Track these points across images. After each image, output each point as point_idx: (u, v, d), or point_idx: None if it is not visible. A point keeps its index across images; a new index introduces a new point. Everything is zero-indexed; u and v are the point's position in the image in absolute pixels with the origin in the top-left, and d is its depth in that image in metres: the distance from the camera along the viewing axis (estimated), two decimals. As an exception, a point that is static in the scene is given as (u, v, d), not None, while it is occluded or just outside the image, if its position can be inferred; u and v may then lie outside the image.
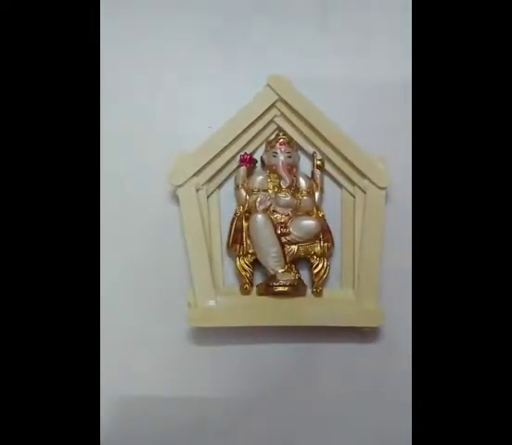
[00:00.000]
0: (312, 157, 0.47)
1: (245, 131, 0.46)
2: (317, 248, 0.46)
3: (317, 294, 0.46)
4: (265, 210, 0.46)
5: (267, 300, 0.45)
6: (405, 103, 0.46)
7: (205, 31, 0.49)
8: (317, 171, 0.47)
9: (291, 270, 0.46)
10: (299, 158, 0.48)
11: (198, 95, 0.49)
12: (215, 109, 0.48)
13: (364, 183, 0.46)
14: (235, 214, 0.46)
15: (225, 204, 0.48)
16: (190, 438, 0.46)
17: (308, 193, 0.47)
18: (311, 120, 0.46)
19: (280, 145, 0.47)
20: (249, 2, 0.50)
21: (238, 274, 0.46)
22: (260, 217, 0.45)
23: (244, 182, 0.47)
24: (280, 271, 0.45)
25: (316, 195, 0.47)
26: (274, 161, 0.46)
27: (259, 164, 0.48)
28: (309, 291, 0.47)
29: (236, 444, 0.46)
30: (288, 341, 0.46)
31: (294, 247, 0.46)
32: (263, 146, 0.48)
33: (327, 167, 0.47)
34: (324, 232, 0.46)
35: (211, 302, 0.45)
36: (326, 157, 0.47)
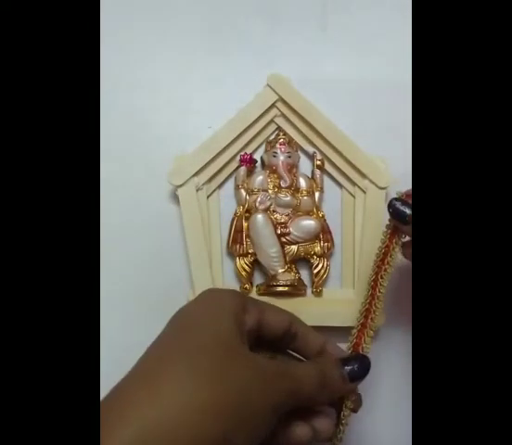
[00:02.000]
0: (312, 157, 0.47)
1: (245, 131, 0.46)
2: (317, 248, 0.46)
3: (317, 294, 0.46)
4: (265, 210, 0.46)
5: (267, 300, 0.45)
6: (405, 103, 0.46)
7: (205, 30, 0.49)
8: (317, 171, 0.47)
9: (291, 270, 0.46)
10: (299, 159, 0.48)
11: (198, 96, 0.49)
12: (215, 110, 0.48)
13: (364, 183, 0.46)
14: (235, 214, 0.46)
15: (225, 204, 0.48)
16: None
17: (308, 193, 0.47)
18: (311, 121, 0.46)
19: (280, 145, 0.46)
20: (249, 2, 0.50)
21: (238, 274, 0.46)
22: (260, 217, 0.45)
23: (244, 182, 0.47)
24: (280, 271, 0.45)
25: (316, 195, 0.47)
26: (274, 161, 0.46)
27: (259, 164, 0.48)
28: (309, 291, 0.47)
29: (236, 444, 0.46)
30: (288, 341, 0.46)
31: (294, 247, 0.46)
32: (263, 146, 0.48)
33: (327, 167, 0.47)
34: (324, 232, 0.46)
35: (211, 302, 0.45)
36: (326, 157, 0.47)
